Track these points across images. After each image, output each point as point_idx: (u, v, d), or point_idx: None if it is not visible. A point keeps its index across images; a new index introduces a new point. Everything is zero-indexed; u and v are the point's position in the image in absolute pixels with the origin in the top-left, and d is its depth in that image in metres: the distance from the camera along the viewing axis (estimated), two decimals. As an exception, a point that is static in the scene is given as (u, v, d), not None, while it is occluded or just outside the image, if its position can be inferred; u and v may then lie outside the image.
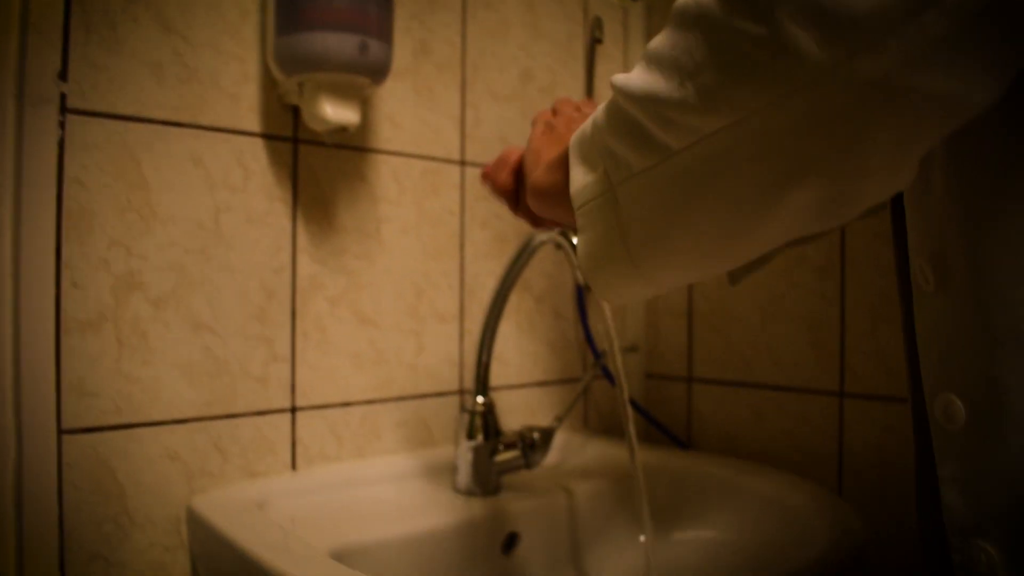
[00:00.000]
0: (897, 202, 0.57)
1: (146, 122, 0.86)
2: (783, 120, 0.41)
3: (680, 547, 1.02)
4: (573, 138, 0.58)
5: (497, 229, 1.18)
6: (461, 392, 1.14)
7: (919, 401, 0.57)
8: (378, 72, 0.92)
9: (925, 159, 0.48)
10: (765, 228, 0.48)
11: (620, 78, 0.50)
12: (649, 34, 1.37)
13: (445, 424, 1.12)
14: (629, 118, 0.50)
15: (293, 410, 0.97)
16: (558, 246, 1.24)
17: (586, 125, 0.56)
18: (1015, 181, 0.47)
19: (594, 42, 1.23)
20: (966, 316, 0.50)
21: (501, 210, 1.19)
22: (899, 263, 0.58)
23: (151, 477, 0.87)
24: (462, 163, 1.14)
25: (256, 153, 0.94)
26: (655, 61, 0.47)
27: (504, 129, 1.19)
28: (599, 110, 0.54)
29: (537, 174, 0.66)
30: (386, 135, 1.06)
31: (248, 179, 0.93)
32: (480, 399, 1.01)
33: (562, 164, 0.61)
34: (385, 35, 0.91)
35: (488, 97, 1.18)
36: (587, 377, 1.19)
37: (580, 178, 0.56)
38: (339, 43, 0.87)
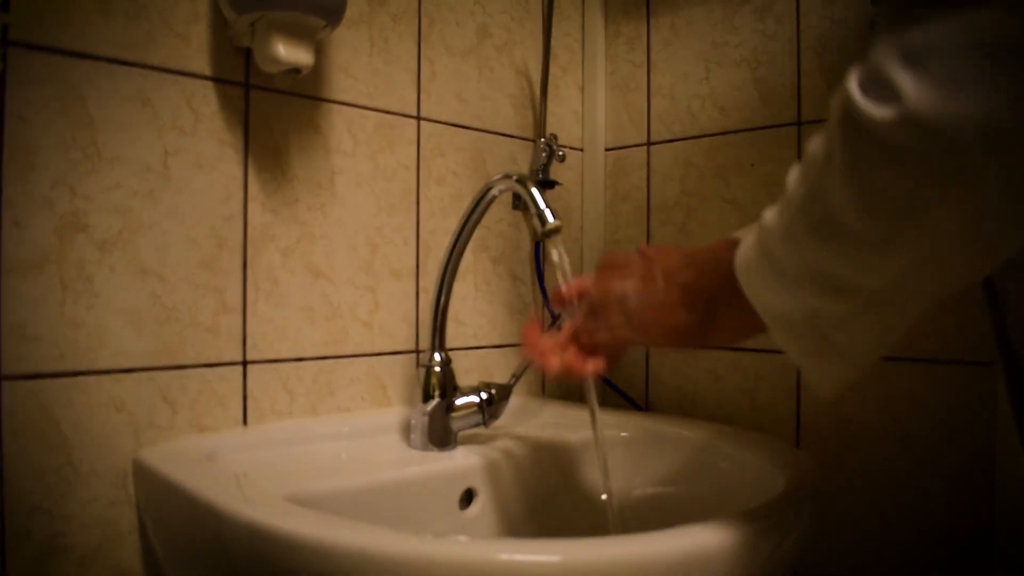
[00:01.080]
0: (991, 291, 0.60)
1: (92, 58, 0.83)
2: (964, 218, 0.43)
3: (641, 503, 1.01)
4: (755, 299, 0.58)
5: (453, 186, 1.16)
6: (417, 351, 1.11)
7: None
8: (333, 13, 0.89)
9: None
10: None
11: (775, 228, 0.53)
12: (606, -4, 1.36)
13: (401, 383, 1.09)
14: (814, 265, 0.51)
15: (244, 363, 0.94)
16: (516, 200, 1.23)
17: (753, 279, 0.57)
18: None
19: (552, 5, 1.22)
20: None
21: (458, 167, 1.17)
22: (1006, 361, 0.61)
23: (96, 428, 0.83)
24: (418, 117, 1.12)
25: (206, 96, 0.91)
26: (824, 219, 0.48)
27: (460, 85, 1.17)
28: (765, 259, 0.55)
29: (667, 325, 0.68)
30: (340, 85, 1.03)
31: (198, 122, 0.90)
32: (437, 355, 0.98)
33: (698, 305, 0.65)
34: (341, -25, 0.89)
35: (444, 51, 1.15)
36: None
37: (788, 336, 0.56)
38: (293, -20, 0.85)
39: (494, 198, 0.95)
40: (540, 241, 1.25)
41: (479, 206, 0.95)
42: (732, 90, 1.19)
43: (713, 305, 0.65)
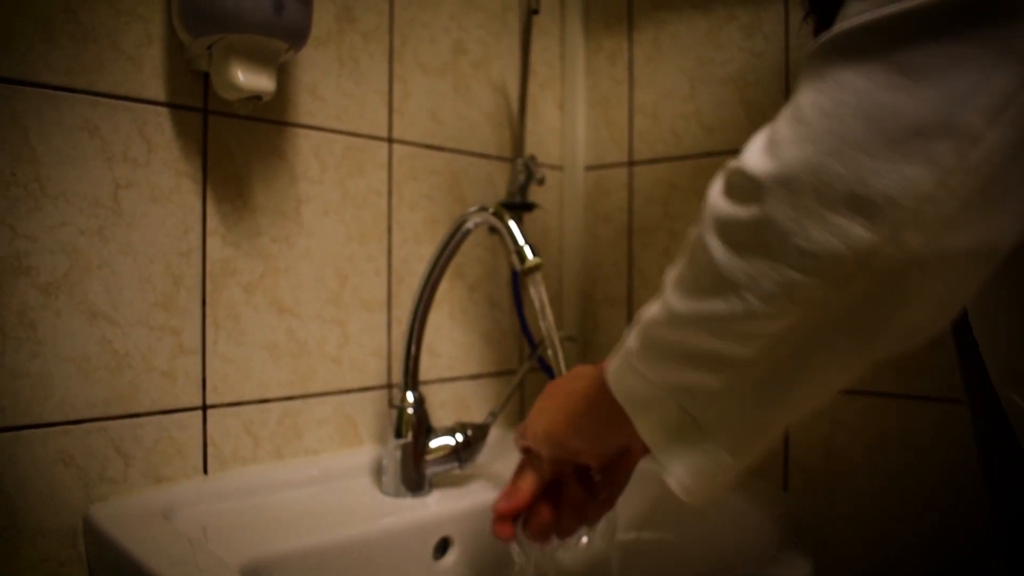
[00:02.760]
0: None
1: (34, 86, 0.76)
2: (845, 301, 0.45)
3: (626, 548, 0.96)
4: (616, 387, 0.59)
5: (427, 211, 1.10)
6: (389, 386, 1.06)
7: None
8: (296, 36, 0.84)
9: (985, 293, 0.52)
10: (858, 371, 0.50)
11: (659, 313, 0.53)
12: (586, 7, 1.30)
13: (371, 421, 1.04)
14: (685, 346, 0.51)
15: (204, 408, 0.89)
16: (492, 229, 1.18)
17: (620, 371, 0.58)
18: None
19: (531, 13, 1.16)
20: None
21: (432, 191, 1.11)
22: (966, 377, 0.63)
23: (42, 484, 0.77)
24: (389, 140, 1.06)
25: (160, 124, 0.85)
26: (700, 283, 0.49)
27: (435, 104, 1.12)
28: (632, 351, 0.56)
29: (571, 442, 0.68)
30: (306, 108, 0.97)
31: (152, 152, 0.84)
32: (410, 395, 0.93)
33: (600, 418, 0.64)
34: (304, -6, 0.83)
35: (418, 70, 1.10)
36: (523, 369, 1.12)
37: (650, 423, 0.56)
38: (252, 0, 0.79)
39: (468, 232, 0.89)
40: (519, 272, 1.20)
41: (453, 239, 0.90)
42: (718, 109, 1.14)
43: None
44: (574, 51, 1.30)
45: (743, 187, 0.46)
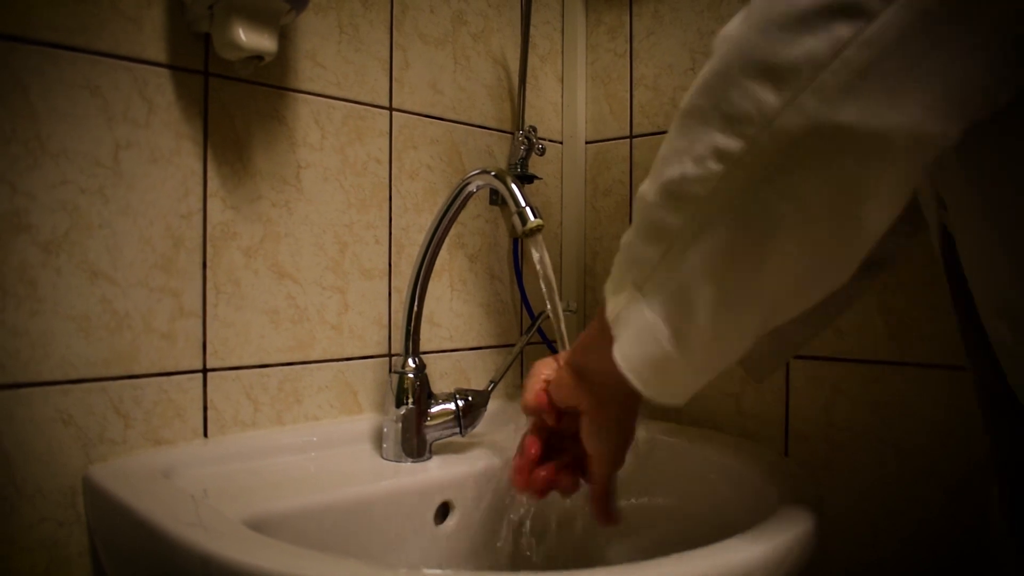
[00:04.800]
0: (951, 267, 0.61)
1: (35, 44, 0.76)
2: (758, 170, 0.47)
3: (626, 514, 0.96)
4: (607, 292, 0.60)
5: (427, 181, 1.10)
6: (390, 355, 1.06)
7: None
8: (298, -4, 0.83)
9: (972, 217, 0.54)
10: (779, 286, 0.52)
11: (642, 187, 0.55)
12: (586, -17, 1.30)
13: (372, 389, 1.04)
14: (645, 217, 0.54)
15: (204, 371, 0.88)
16: (493, 198, 1.18)
17: (616, 259, 0.60)
18: None
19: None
20: None
21: (432, 160, 1.11)
22: (962, 322, 0.62)
23: (41, 444, 0.77)
24: (390, 108, 1.06)
25: (161, 85, 0.85)
26: (659, 157, 0.53)
27: (435, 75, 1.11)
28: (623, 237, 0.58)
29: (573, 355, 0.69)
30: (307, 74, 0.97)
31: (152, 113, 0.84)
32: (411, 360, 0.93)
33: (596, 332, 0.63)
34: (306, -45, 0.83)
35: (418, 39, 1.09)
36: (522, 340, 1.12)
37: (613, 302, 0.58)
38: (255, -40, 0.78)
39: (471, 194, 0.89)
40: (519, 238, 1.19)
41: (455, 203, 0.89)
42: (719, 81, 1.13)
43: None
44: (574, 24, 1.30)
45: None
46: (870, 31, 0.42)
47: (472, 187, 0.88)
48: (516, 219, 0.83)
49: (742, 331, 0.54)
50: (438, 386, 1.05)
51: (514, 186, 0.84)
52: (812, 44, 0.44)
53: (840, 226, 0.48)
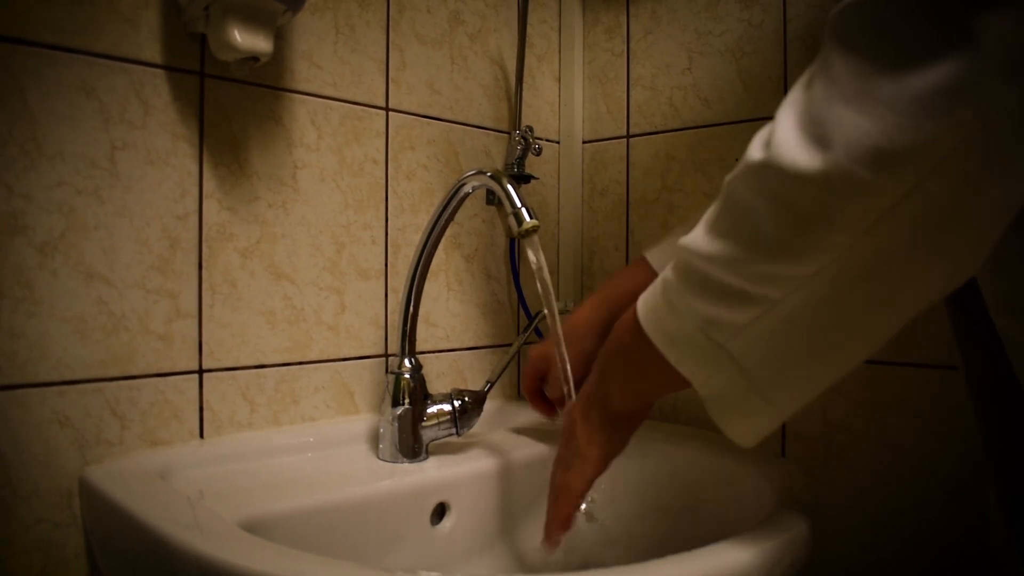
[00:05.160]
0: None
1: (31, 45, 0.76)
2: (877, 243, 0.46)
3: (623, 516, 0.96)
4: (647, 320, 0.60)
5: (424, 181, 1.10)
6: (386, 355, 1.06)
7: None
8: (294, -3, 0.83)
9: None
10: (888, 325, 0.51)
11: (693, 243, 0.54)
12: (583, -18, 1.30)
13: (368, 390, 1.04)
14: (714, 281, 0.52)
15: (200, 372, 0.88)
16: (489, 198, 1.18)
17: (656, 301, 0.59)
18: None
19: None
20: None
21: (429, 161, 1.11)
22: (954, 313, 0.65)
23: (38, 445, 0.77)
24: (386, 108, 1.06)
25: (157, 86, 0.85)
26: (728, 225, 0.51)
27: (432, 75, 1.11)
28: (669, 279, 0.57)
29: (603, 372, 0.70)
30: (303, 74, 0.97)
31: (148, 115, 0.84)
32: (407, 362, 0.93)
33: (631, 348, 0.63)
34: (302, -44, 0.83)
35: (415, 39, 1.09)
36: (519, 340, 1.12)
37: (678, 347, 0.57)
38: (251, -39, 0.78)
39: (467, 195, 0.89)
40: (516, 238, 1.19)
41: (451, 203, 0.89)
42: (716, 81, 1.14)
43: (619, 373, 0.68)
44: (572, 24, 1.30)
45: (783, 142, 0.47)
46: (994, 114, 0.41)
47: (468, 188, 0.88)
48: (512, 220, 0.83)
49: (837, 372, 0.54)
50: (435, 386, 1.06)
51: (510, 187, 0.84)
52: (932, 128, 0.42)
53: (935, 286, 0.49)
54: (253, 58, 0.84)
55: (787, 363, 0.53)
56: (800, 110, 0.47)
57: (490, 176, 0.86)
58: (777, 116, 0.49)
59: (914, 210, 0.44)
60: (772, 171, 0.47)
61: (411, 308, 0.93)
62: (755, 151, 0.49)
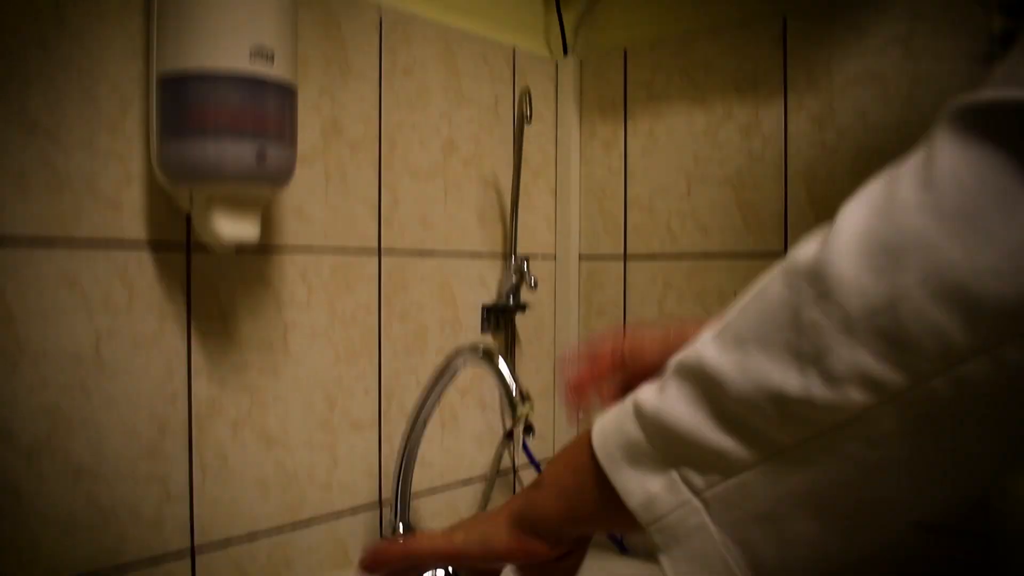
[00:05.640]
0: None
1: (9, 244, 0.75)
2: (912, 416, 0.37)
3: None
4: (601, 439, 0.46)
5: (418, 321, 1.09)
6: (380, 504, 1.04)
7: None
8: (279, 179, 0.82)
9: None
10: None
11: (712, 360, 0.42)
12: (580, 90, 1.28)
13: (363, 539, 1.02)
14: (720, 406, 0.41)
15: (192, 552, 0.87)
16: (486, 320, 1.16)
17: (624, 423, 0.45)
18: None
19: (522, 120, 1.14)
20: None
21: (422, 298, 1.10)
22: None
23: (25, 649, 0.76)
24: (379, 251, 1.04)
25: (142, 266, 0.83)
26: (753, 341, 0.41)
27: (425, 209, 1.10)
28: (655, 401, 0.44)
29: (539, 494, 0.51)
30: (292, 229, 0.95)
31: (133, 298, 0.82)
32: (401, 527, 0.92)
33: (583, 469, 0.47)
34: (286, 136, 0.81)
35: (407, 175, 1.08)
36: (492, 471, 1.11)
37: (641, 487, 0.44)
38: (234, 152, 0.76)
39: (456, 371, 0.88)
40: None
41: (441, 380, 0.88)
42: (714, 210, 1.12)
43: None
44: (568, 135, 1.28)
45: (842, 248, 0.38)
46: None
47: (459, 362, 0.87)
48: (506, 402, 0.82)
49: (842, 558, 0.43)
50: (429, 527, 1.04)
51: (503, 368, 0.83)
52: None
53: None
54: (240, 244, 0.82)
55: (785, 539, 0.42)
56: (881, 199, 0.38)
57: (482, 356, 0.84)
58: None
59: (979, 376, 0.35)
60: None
61: (402, 485, 0.92)
62: (805, 256, 0.40)
